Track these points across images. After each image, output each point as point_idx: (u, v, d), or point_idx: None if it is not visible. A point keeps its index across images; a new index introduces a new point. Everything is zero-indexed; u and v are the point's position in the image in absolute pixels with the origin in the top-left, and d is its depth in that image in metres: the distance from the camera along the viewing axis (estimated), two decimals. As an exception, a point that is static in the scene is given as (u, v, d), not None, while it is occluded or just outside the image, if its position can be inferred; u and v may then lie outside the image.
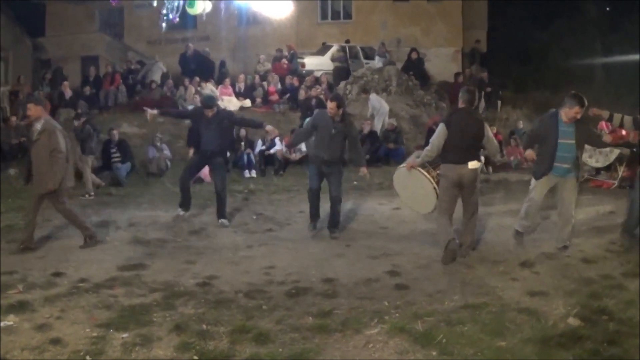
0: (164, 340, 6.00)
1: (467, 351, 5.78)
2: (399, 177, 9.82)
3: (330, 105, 10.18)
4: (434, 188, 9.15)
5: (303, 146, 18.01)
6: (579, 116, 8.84)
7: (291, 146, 11.09)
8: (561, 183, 9.10)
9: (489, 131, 9.14)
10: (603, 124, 16.99)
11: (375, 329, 6.35)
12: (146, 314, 6.68)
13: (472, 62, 25.95)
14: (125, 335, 6.08)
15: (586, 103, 8.85)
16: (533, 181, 9.31)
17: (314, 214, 10.75)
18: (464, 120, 8.83)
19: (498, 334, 6.15)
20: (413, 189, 9.53)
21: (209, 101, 11.40)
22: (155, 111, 11.51)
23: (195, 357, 5.63)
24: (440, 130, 8.82)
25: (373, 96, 21.42)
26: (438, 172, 9.09)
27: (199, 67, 23.93)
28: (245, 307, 6.99)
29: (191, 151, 15.33)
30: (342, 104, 10.47)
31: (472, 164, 8.81)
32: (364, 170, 10.52)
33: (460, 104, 9.03)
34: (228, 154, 12.69)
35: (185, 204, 11.65)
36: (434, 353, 5.75)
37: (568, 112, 8.83)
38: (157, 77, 23.78)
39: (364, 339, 6.10)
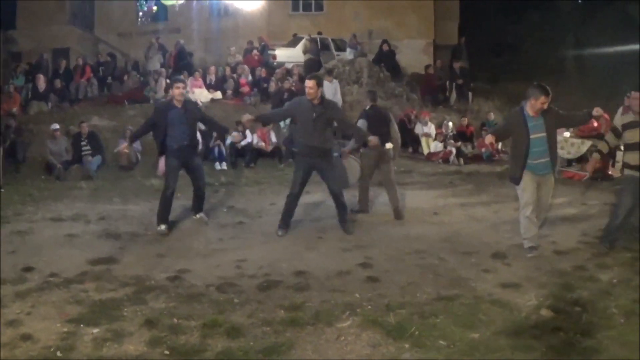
0: (134, 335, 5.95)
1: (440, 343, 5.78)
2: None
3: (309, 84, 9.66)
4: (360, 166, 11.46)
5: (273, 137, 18.01)
6: (545, 106, 8.58)
7: (258, 120, 10.60)
8: (541, 182, 8.82)
9: (394, 122, 11.88)
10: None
11: (347, 321, 6.34)
12: (117, 309, 6.61)
13: (458, 58, 25.95)
14: (96, 330, 6.03)
15: (550, 92, 8.53)
16: (521, 185, 8.80)
17: (287, 220, 10.19)
18: (377, 114, 11.37)
19: (471, 326, 6.17)
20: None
21: (177, 76, 10.75)
22: (125, 143, 11.31)
23: (167, 352, 5.59)
24: (363, 124, 11.02)
25: (334, 84, 21.11)
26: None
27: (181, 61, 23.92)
28: (217, 301, 6.95)
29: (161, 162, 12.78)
30: (320, 83, 10.11)
31: (388, 145, 11.17)
32: (373, 140, 10.18)
33: (371, 102, 11.62)
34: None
35: (166, 218, 10.33)
36: (407, 345, 5.75)
37: (534, 104, 8.58)
38: (157, 66, 23.67)
39: (336, 332, 6.09)
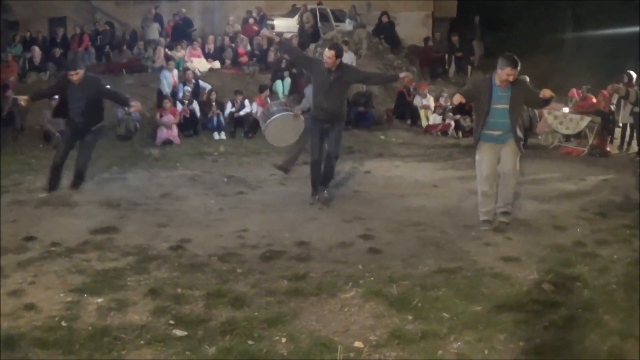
0: (139, 305, 5.95)
1: (443, 315, 5.79)
2: (280, 122, 12.24)
3: (328, 54, 9.57)
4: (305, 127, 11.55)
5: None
6: (511, 78, 8.37)
7: (280, 45, 10.86)
8: (502, 148, 8.67)
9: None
10: (574, 91, 17.15)
11: (351, 292, 6.36)
12: (120, 278, 6.62)
13: (471, 37, 25.90)
14: (99, 300, 6.03)
15: (519, 64, 8.34)
16: (477, 156, 8.84)
17: (316, 187, 10.27)
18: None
19: (473, 299, 6.18)
20: (287, 130, 12.18)
21: (73, 64, 10.64)
22: (25, 97, 10.64)
23: (172, 322, 5.59)
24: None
25: (349, 55, 21.17)
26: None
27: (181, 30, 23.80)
28: (220, 271, 6.97)
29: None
30: (340, 54, 9.81)
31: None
32: (406, 74, 10.49)
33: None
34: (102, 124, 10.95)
35: (53, 183, 10.40)
36: (410, 317, 5.76)
37: (500, 74, 8.41)
38: (155, 35, 23.53)
39: (339, 303, 6.11)
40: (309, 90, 11.67)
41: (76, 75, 9.94)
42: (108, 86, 11.06)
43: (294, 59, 10.81)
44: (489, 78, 8.75)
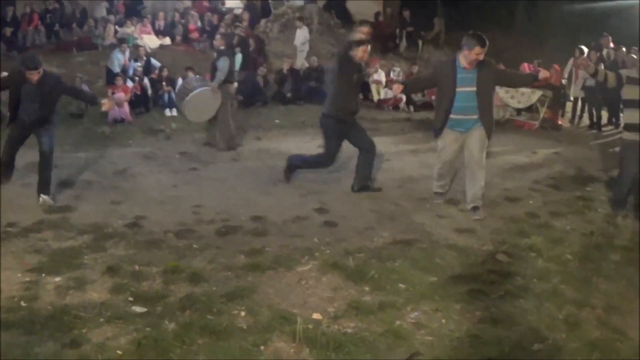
0: (97, 282, 5.97)
1: (400, 286, 5.93)
2: (199, 97, 12.18)
3: (365, 49, 8.84)
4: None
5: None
6: (480, 57, 7.86)
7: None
8: (467, 137, 8.18)
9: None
10: (525, 65, 17.35)
11: (307, 265, 6.47)
12: (77, 257, 6.62)
13: (432, 15, 26.08)
14: (58, 279, 6.03)
15: (487, 42, 7.84)
16: (439, 143, 8.46)
17: (294, 169, 9.93)
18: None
19: (429, 270, 6.33)
20: (206, 105, 12.27)
21: (32, 62, 8.56)
22: None
23: (130, 298, 5.63)
24: (226, 63, 12.10)
25: (303, 30, 21.16)
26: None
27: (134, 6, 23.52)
28: (176, 247, 7.00)
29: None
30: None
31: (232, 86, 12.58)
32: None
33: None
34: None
35: (7, 177, 9.19)
36: (367, 288, 5.88)
37: (468, 55, 7.87)
38: (103, 13, 23.16)
39: (297, 276, 6.21)
40: (222, 63, 12.16)
41: (37, 75, 8.50)
42: (69, 85, 10.24)
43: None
44: (451, 60, 8.26)
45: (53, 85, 8.78)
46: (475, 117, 8.06)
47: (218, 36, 13.62)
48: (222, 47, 12.72)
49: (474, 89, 7.99)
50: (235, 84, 13.10)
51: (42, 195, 8.77)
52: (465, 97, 8.00)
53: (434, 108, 9.35)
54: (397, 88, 8.61)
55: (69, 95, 9.65)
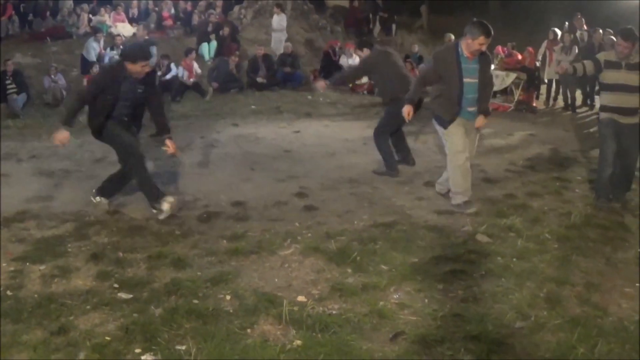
0: (82, 270, 6.00)
1: (382, 268, 6.01)
2: None
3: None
4: None
5: (197, 67, 17.86)
6: (484, 48, 7.41)
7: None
8: (468, 126, 7.81)
9: None
10: (499, 48, 17.50)
11: (290, 249, 6.54)
12: (61, 245, 6.64)
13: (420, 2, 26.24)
14: (42, 267, 6.05)
15: (492, 32, 7.36)
16: (448, 129, 7.77)
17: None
18: None
19: (410, 251, 6.42)
20: None
21: (146, 52, 7.48)
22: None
23: (116, 285, 5.66)
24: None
25: (281, 17, 21.13)
26: None
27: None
28: (159, 233, 7.05)
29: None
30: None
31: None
32: None
33: None
34: None
35: None
36: (350, 270, 5.97)
37: (471, 45, 7.36)
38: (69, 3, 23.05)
39: (279, 260, 6.27)
40: None
41: (148, 67, 7.39)
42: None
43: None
44: (454, 47, 7.66)
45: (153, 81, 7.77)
46: (475, 109, 7.75)
47: None
48: None
49: (476, 80, 7.60)
50: None
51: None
52: (470, 89, 7.59)
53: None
54: (407, 110, 8.00)
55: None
